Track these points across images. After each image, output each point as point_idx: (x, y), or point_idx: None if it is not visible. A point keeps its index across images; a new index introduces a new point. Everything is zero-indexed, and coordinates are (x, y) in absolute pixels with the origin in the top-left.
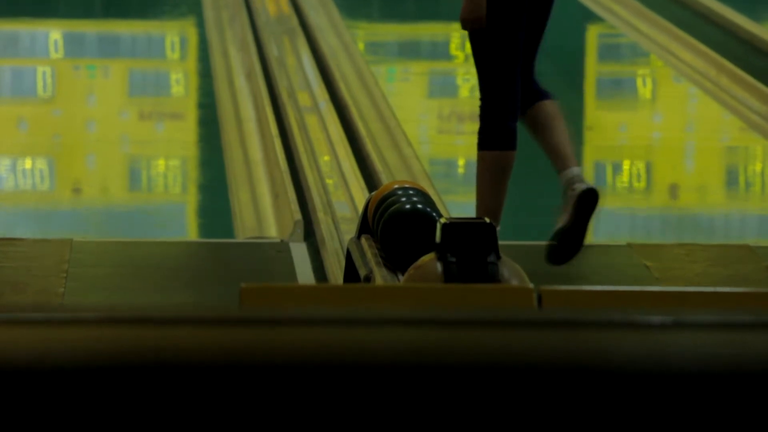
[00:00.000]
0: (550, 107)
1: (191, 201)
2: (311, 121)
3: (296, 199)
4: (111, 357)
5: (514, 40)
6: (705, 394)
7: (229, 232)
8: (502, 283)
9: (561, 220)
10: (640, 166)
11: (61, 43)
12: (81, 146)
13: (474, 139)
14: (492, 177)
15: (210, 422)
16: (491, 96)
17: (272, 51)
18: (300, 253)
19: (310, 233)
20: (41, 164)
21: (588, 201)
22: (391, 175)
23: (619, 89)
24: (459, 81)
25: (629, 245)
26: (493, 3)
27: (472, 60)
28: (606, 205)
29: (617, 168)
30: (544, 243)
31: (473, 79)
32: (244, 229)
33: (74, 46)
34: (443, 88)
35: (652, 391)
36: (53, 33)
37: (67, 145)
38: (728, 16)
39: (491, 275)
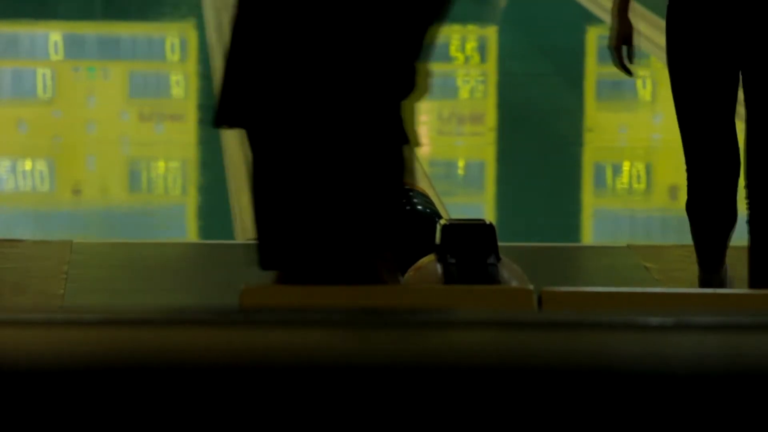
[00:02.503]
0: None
1: (191, 202)
2: None
3: None
4: (110, 359)
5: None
6: (705, 396)
7: (230, 233)
8: (502, 285)
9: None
10: (640, 167)
11: (61, 44)
12: (81, 147)
13: (474, 140)
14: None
15: (210, 424)
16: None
17: None
18: None
19: None
20: (41, 165)
21: None
22: None
23: (619, 91)
24: (459, 82)
25: (629, 246)
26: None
27: (472, 61)
28: (606, 206)
29: (617, 169)
30: (544, 245)
31: (473, 80)
32: (245, 231)
33: (74, 48)
34: (443, 89)
35: (652, 393)
36: (53, 34)
37: (67, 147)
38: None
39: (491, 277)
